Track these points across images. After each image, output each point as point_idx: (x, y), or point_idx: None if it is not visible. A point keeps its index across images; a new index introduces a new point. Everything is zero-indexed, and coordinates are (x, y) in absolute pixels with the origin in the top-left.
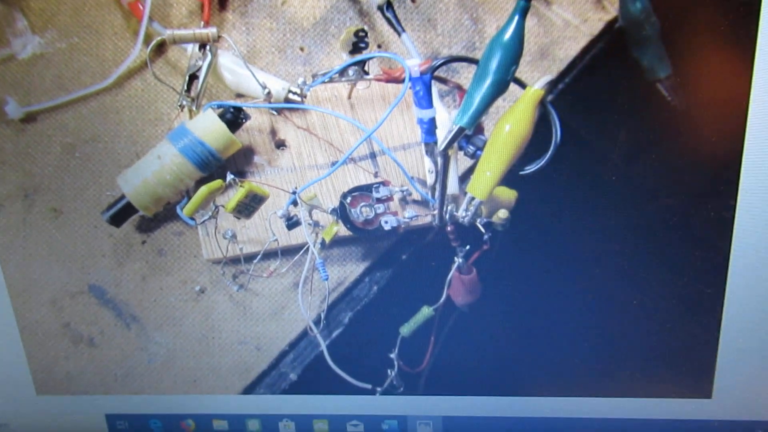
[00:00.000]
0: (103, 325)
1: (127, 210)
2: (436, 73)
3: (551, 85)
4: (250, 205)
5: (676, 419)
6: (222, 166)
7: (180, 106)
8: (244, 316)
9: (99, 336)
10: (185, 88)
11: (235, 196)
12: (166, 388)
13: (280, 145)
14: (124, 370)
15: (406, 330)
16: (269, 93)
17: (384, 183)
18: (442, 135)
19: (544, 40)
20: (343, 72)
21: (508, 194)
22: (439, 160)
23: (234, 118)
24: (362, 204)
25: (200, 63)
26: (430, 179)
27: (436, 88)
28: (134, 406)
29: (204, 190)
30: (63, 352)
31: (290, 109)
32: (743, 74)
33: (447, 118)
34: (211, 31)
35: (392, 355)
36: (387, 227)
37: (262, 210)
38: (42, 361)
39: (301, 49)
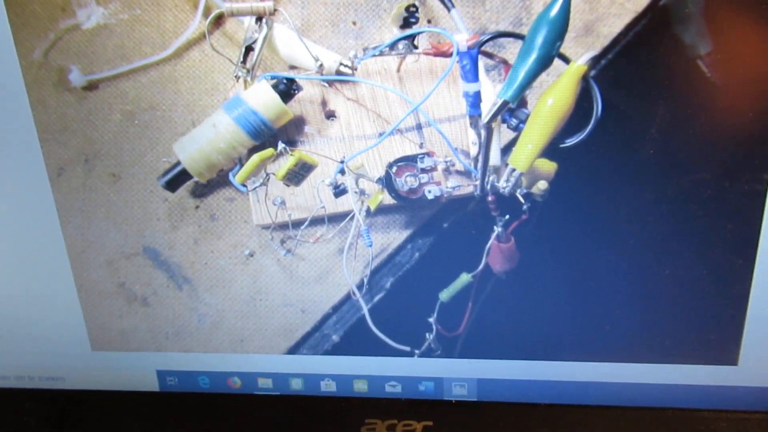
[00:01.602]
0: (156, 286)
1: (182, 176)
2: (482, 48)
3: (594, 61)
4: (299, 173)
5: (702, 385)
6: (274, 135)
7: (236, 77)
8: (290, 280)
9: (152, 296)
10: (241, 59)
11: (286, 164)
12: (215, 346)
13: (330, 115)
14: (175, 329)
15: (445, 295)
16: (321, 65)
17: (429, 154)
18: (487, 108)
19: (590, 17)
20: (393, 46)
21: (548, 166)
22: (483, 133)
23: (287, 89)
24: (407, 174)
25: (256, 35)
26: (473, 151)
27: (482, 62)
28: (184, 363)
29: (256, 158)
30: (117, 311)
31: (341, 81)
32: None
33: (492, 92)
34: (268, 4)
35: (431, 320)
36: (430, 196)
37: (310, 178)
38: (97, 319)
39: (354, 24)
